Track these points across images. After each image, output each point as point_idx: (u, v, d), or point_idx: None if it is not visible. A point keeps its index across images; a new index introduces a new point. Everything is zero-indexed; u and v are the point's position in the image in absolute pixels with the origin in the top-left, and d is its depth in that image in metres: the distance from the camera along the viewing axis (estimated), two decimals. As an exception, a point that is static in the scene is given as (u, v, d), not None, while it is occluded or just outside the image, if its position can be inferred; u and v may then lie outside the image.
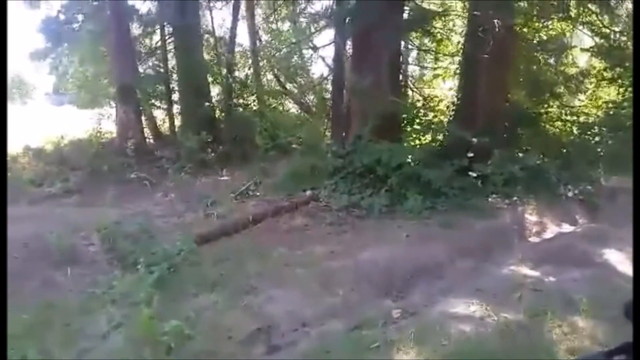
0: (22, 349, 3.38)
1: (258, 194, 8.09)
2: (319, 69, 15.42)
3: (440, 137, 8.87)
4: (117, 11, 11.19)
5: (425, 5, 11.55)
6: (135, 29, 12.66)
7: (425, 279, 4.93)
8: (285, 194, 7.87)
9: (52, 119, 17.03)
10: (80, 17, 12.55)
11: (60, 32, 12.24)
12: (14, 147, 11.72)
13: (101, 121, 12.71)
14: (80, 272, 4.86)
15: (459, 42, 10.88)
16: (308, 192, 7.72)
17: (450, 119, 9.36)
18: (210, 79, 12.13)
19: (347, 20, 9.18)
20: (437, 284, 4.79)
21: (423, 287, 4.75)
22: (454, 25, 11.61)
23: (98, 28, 12.10)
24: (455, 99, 9.46)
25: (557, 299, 4.04)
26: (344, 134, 9.54)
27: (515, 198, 7.42)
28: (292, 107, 14.85)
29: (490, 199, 7.39)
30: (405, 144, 8.36)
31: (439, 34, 11.03)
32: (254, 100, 12.53)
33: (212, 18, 12.67)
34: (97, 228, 5.43)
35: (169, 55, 12.34)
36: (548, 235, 6.65)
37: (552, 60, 10.89)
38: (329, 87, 12.97)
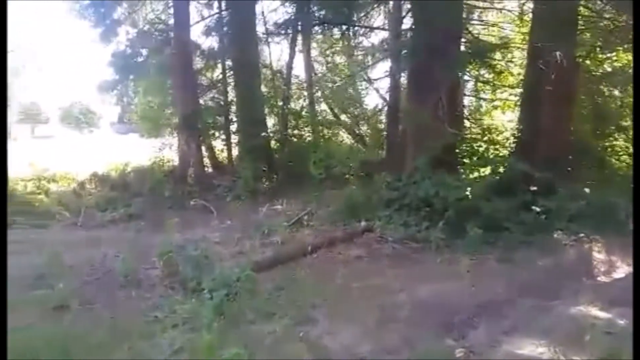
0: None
1: (312, 223, 8.09)
2: (373, 100, 15.51)
3: (500, 170, 8.62)
4: (180, 46, 11.78)
5: (483, 36, 11.50)
6: (198, 63, 13.28)
7: (487, 317, 4.71)
8: (340, 225, 7.84)
9: (116, 147, 17.94)
10: (145, 51, 13.31)
11: (127, 65, 13.00)
12: (81, 173, 12.44)
13: (163, 150, 13.31)
14: (143, 296, 5.00)
15: (519, 74, 10.68)
16: (362, 223, 7.62)
17: (511, 151, 9.12)
18: (266, 111, 12.45)
19: (403, 53, 9.24)
20: (501, 323, 4.55)
21: (486, 326, 4.52)
22: (513, 57, 11.43)
23: (162, 62, 12.78)
24: (516, 131, 9.23)
25: (631, 342, 3.77)
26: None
27: (581, 235, 7.08)
28: (345, 138, 14.94)
29: (555, 235, 7.07)
30: (463, 176, 8.19)
31: (498, 66, 10.86)
32: (308, 131, 12.72)
33: (269, 52, 13.14)
34: (160, 253, 5.58)
35: (229, 88, 12.81)
36: (618, 274, 6.24)
37: (617, 92, 10.51)
38: (383, 118, 13.01)
